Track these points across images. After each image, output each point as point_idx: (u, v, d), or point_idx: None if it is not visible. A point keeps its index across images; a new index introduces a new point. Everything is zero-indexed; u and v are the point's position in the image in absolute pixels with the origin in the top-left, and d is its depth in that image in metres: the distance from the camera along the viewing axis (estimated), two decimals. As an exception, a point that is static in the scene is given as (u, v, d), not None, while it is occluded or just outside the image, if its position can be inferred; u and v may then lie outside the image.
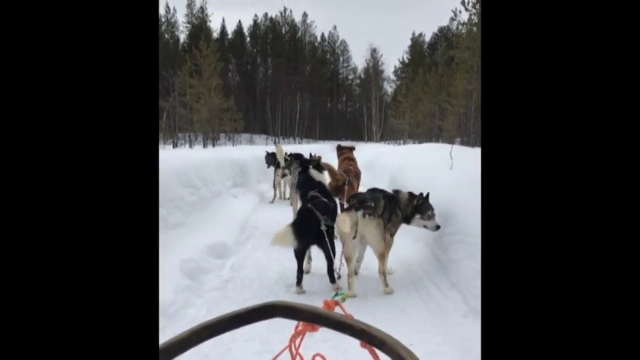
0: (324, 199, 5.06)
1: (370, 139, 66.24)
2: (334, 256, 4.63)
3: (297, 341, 1.10)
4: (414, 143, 33.92)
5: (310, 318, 0.98)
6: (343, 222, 4.33)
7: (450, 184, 6.16)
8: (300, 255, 4.75)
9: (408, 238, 6.49)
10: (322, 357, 1.14)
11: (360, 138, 68.45)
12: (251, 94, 72.01)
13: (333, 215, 4.82)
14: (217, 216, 7.72)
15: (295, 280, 4.86)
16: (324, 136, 73.91)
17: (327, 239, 4.57)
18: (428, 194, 4.91)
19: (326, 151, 29.21)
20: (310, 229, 4.66)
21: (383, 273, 4.64)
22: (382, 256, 4.63)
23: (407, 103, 39.21)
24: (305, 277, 5.00)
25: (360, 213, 4.45)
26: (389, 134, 63.29)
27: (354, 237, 4.49)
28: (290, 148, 25.21)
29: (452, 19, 28.39)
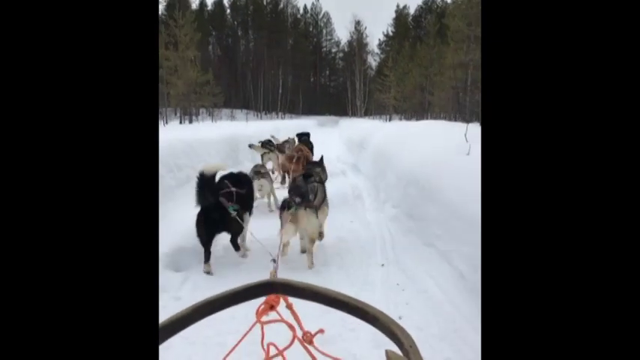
0: (232, 189, 5.12)
1: (354, 114, 64.91)
2: (240, 233, 5.13)
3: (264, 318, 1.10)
4: (400, 119, 32.56)
5: (307, 295, 1.01)
6: (287, 232, 4.67)
7: (470, 176, 4.86)
8: (206, 243, 4.87)
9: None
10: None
11: (343, 113, 67.23)
12: (232, 68, 70.12)
13: (241, 201, 5.09)
14: (181, 211, 6.19)
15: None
16: (308, 111, 72.68)
17: (233, 225, 4.92)
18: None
19: (308, 127, 27.90)
20: (218, 221, 4.85)
21: (311, 252, 4.93)
22: (314, 240, 4.98)
23: (393, 76, 37.31)
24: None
25: (300, 207, 4.73)
26: (374, 109, 62.05)
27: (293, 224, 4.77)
28: (272, 124, 24.03)
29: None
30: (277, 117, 66.22)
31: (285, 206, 4.78)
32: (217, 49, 74.82)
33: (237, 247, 5.13)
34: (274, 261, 3.21)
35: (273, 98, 69.05)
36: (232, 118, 41.53)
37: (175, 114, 31.05)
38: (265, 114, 68.44)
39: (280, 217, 4.87)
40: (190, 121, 26.40)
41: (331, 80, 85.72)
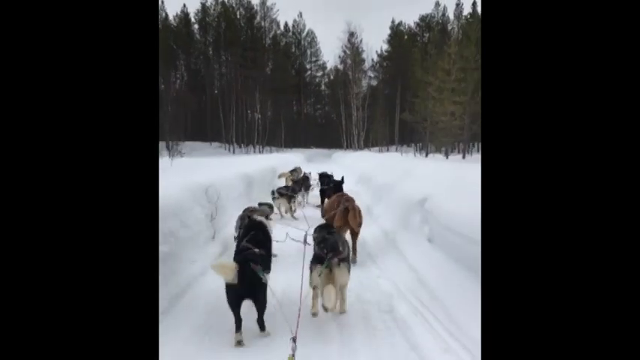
0: (256, 250, 4.65)
1: (350, 146, 53.06)
2: (265, 307, 4.54)
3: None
4: (464, 154, 20.28)
5: None
6: (330, 293, 4.32)
7: None
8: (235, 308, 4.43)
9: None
10: None
11: (333, 145, 55.55)
12: (199, 93, 58.46)
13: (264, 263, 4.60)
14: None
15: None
16: (291, 144, 60.90)
17: (262, 291, 4.44)
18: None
19: (296, 163, 17.39)
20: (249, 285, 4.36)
21: (345, 299, 4.87)
22: (343, 288, 4.80)
23: (436, 84, 24.06)
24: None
25: (334, 261, 4.52)
26: (376, 139, 50.35)
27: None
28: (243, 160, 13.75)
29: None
30: (254, 150, 54.25)
31: (317, 261, 4.58)
32: (185, 75, 63.41)
33: (262, 327, 4.45)
34: (294, 340, 3.10)
35: (249, 128, 57.16)
36: (193, 150, 29.06)
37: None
38: (240, 147, 56.49)
39: (311, 272, 4.59)
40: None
41: (317, 108, 74.33)
